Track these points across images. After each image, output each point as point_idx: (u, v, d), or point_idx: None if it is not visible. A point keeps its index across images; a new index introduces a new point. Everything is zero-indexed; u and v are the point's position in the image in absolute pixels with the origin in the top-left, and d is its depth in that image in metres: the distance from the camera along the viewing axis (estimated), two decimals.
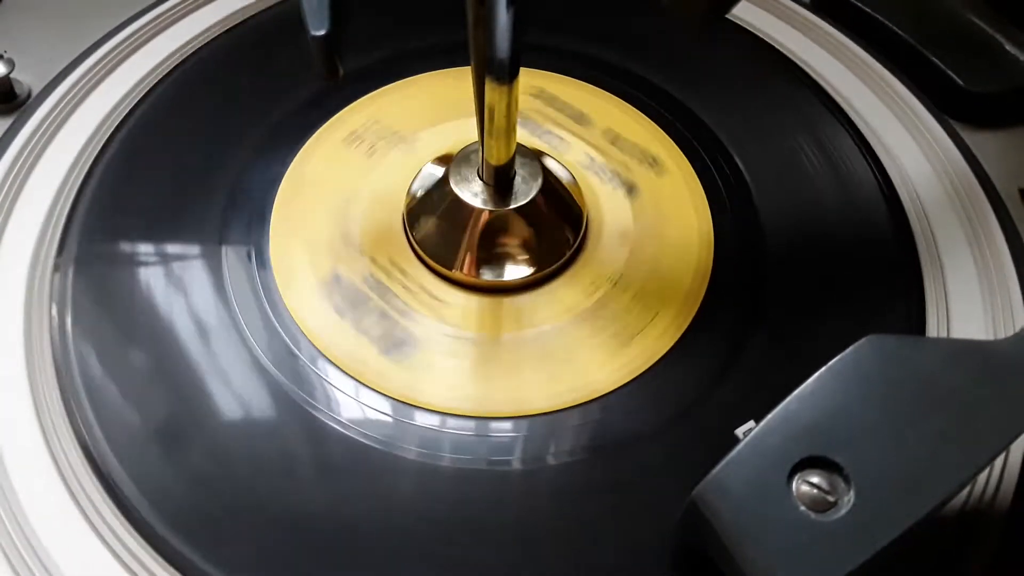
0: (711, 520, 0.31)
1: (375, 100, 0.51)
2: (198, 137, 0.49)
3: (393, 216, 0.46)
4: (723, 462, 0.31)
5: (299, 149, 0.49)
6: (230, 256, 0.45)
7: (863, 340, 0.32)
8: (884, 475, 0.30)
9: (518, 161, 0.44)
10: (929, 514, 0.30)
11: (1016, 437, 0.31)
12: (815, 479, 0.30)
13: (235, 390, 0.41)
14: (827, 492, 0.30)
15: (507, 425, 0.40)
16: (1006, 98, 0.52)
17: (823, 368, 0.32)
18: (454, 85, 0.52)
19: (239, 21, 0.55)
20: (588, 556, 0.37)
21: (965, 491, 0.39)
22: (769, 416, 0.31)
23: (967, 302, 0.45)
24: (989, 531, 0.38)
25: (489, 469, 0.39)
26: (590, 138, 0.50)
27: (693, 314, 0.44)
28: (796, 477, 0.30)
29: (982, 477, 0.39)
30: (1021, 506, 0.39)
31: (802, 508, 0.30)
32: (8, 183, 0.46)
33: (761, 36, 0.56)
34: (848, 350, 0.32)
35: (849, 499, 0.30)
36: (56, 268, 0.44)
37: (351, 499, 0.38)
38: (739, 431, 0.32)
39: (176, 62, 0.52)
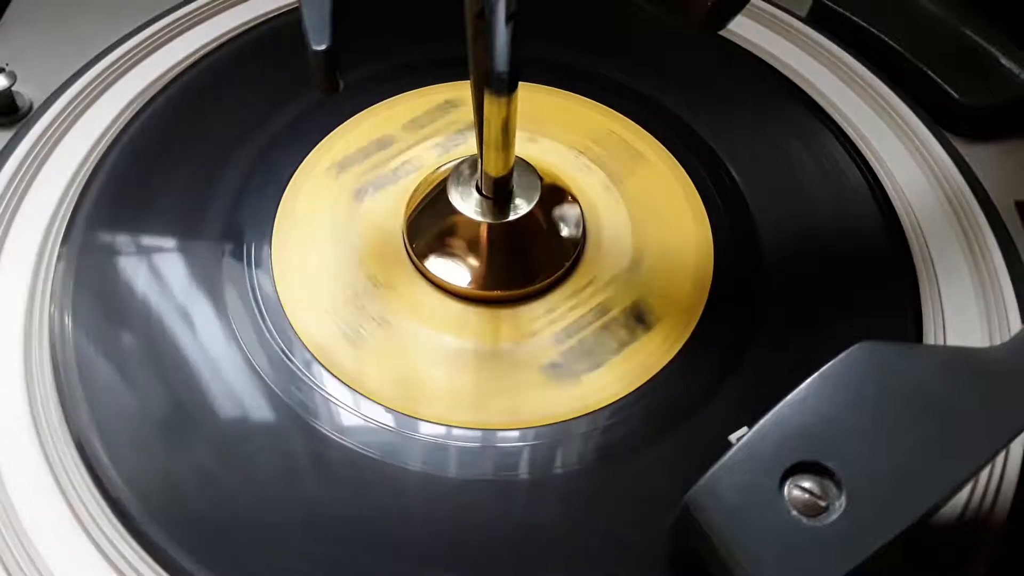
0: (703, 524, 0.31)
1: (379, 111, 0.51)
2: (199, 148, 0.49)
3: (393, 227, 0.46)
4: (715, 467, 0.31)
5: (302, 159, 0.49)
6: (230, 265, 0.45)
7: (855, 347, 0.33)
8: (876, 480, 0.30)
9: (516, 174, 0.44)
10: (921, 519, 0.30)
11: (1008, 443, 0.31)
12: (807, 484, 0.30)
13: (234, 400, 0.41)
14: (819, 497, 0.30)
15: (507, 436, 0.41)
16: (1001, 111, 0.52)
17: (815, 374, 0.32)
18: (456, 97, 0.52)
19: (239, 33, 0.55)
20: (589, 564, 0.37)
21: (965, 494, 0.39)
22: (761, 421, 0.31)
23: (963, 312, 0.45)
24: (990, 533, 0.38)
25: (487, 480, 0.39)
26: (585, 148, 0.50)
27: (693, 324, 0.44)
28: (788, 482, 0.31)
29: (982, 480, 0.39)
30: (1021, 509, 0.39)
31: (794, 513, 0.30)
32: (8, 195, 0.47)
33: (757, 50, 0.56)
34: (840, 356, 0.32)
35: (841, 504, 0.30)
36: (56, 278, 0.44)
37: (345, 509, 0.38)
38: (733, 436, 0.32)
39: (177, 73, 0.53)
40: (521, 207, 0.44)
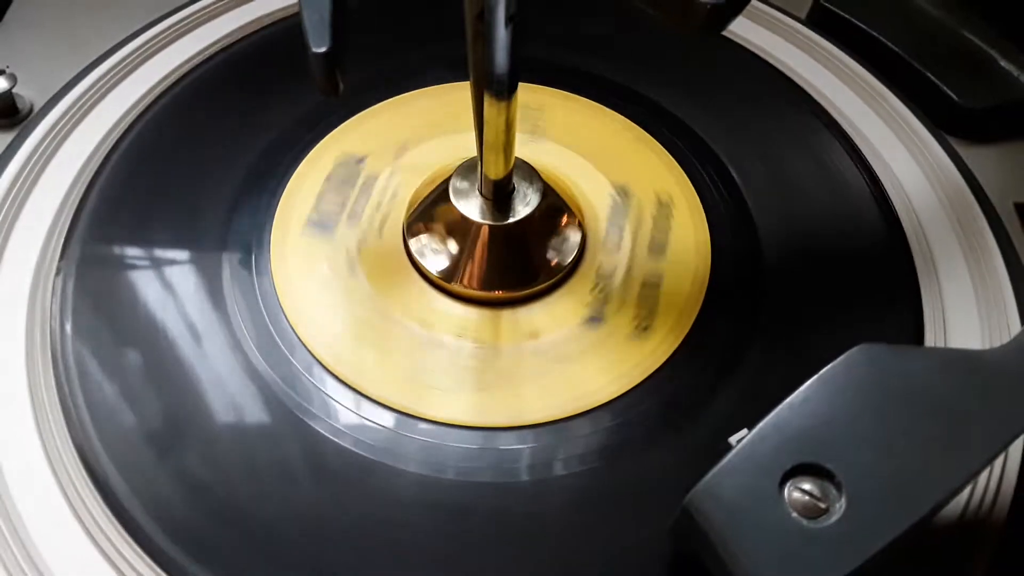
0: (703, 526, 0.31)
1: (378, 113, 0.52)
2: (199, 150, 0.49)
3: (394, 229, 0.47)
4: (715, 469, 0.31)
5: (301, 160, 0.49)
6: (231, 268, 0.45)
7: (855, 348, 0.33)
8: (875, 482, 0.30)
9: (517, 175, 0.44)
10: (921, 521, 0.30)
11: (1007, 445, 0.31)
12: (807, 486, 0.30)
13: (235, 402, 0.41)
14: (819, 499, 0.30)
15: (507, 436, 0.41)
16: (1001, 113, 0.53)
17: (815, 376, 0.32)
18: (456, 99, 0.52)
19: (240, 37, 0.55)
20: (589, 565, 0.37)
21: (965, 494, 0.39)
22: (761, 423, 0.31)
23: (963, 314, 0.45)
24: (990, 533, 0.38)
25: (488, 480, 0.39)
26: (588, 153, 0.50)
27: (691, 324, 0.44)
28: (788, 484, 0.31)
29: (982, 480, 0.39)
30: (1020, 510, 0.39)
31: (794, 515, 0.30)
32: (10, 198, 0.47)
33: (758, 51, 0.56)
34: (840, 358, 0.32)
35: (840, 506, 0.30)
36: (58, 283, 0.44)
37: (349, 510, 0.38)
38: (732, 438, 0.32)
39: (177, 77, 0.53)
40: (521, 209, 0.44)
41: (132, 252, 0.45)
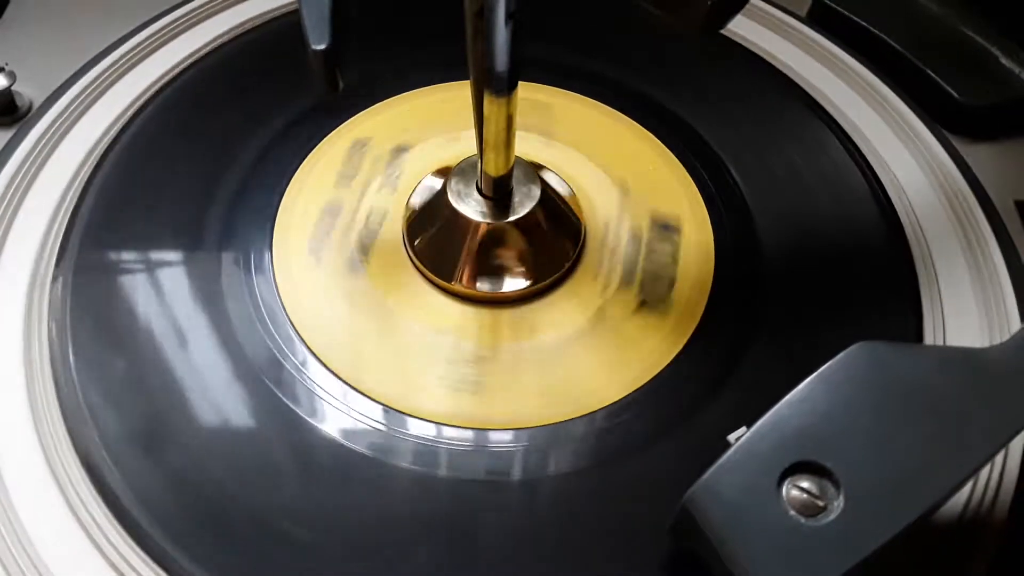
0: (702, 524, 0.31)
1: (378, 112, 0.51)
2: (198, 149, 0.49)
3: (393, 228, 0.46)
4: (714, 467, 0.31)
5: (301, 161, 0.49)
6: (230, 268, 0.45)
7: (854, 346, 0.33)
8: (874, 480, 0.30)
9: (516, 174, 0.44)
10: (919, 519, 0.30)
11: (1006, 443, 0.31)
12: (805, 484, 0.30)
13: (235, 400, 0.41)
14: (817, 497, 0.30)
15: (506, 436, 0.40)
16: (1001, 110, 0.52)
17: (814, 374, 0.32)
18: (455, 97, 0.52)
19: (240, 33, 0.55)
20: (588, 565, 0.37)
21: (965, 493, 0.39)
22: (760, 421, 0.31)
23: (963, 312, 0.45)
24: (990, 533, 0.38)
25: (487, 480, 0.39)
26: (588, 151, 0.50)
27: (694, 326, 0.44)
28: (786, 482, 0.30)
29: (982, 479, 0.39)
30: (1021, 509, 0.39)
31: (792, 513, 0.30)
32: (8, 195, 0.47)
33: (757, 50, 0.56)
34: (839, 356, 0.32)
35: (839, 504, 0.30)
36: (55, 281, 0.44)
37: (348, 509, 0.38)
38: (731, 436, 0.32)
39: (177, 73, 0.53)
40: (521, 207, 0.44)
41: (130, 254, 0.45)
